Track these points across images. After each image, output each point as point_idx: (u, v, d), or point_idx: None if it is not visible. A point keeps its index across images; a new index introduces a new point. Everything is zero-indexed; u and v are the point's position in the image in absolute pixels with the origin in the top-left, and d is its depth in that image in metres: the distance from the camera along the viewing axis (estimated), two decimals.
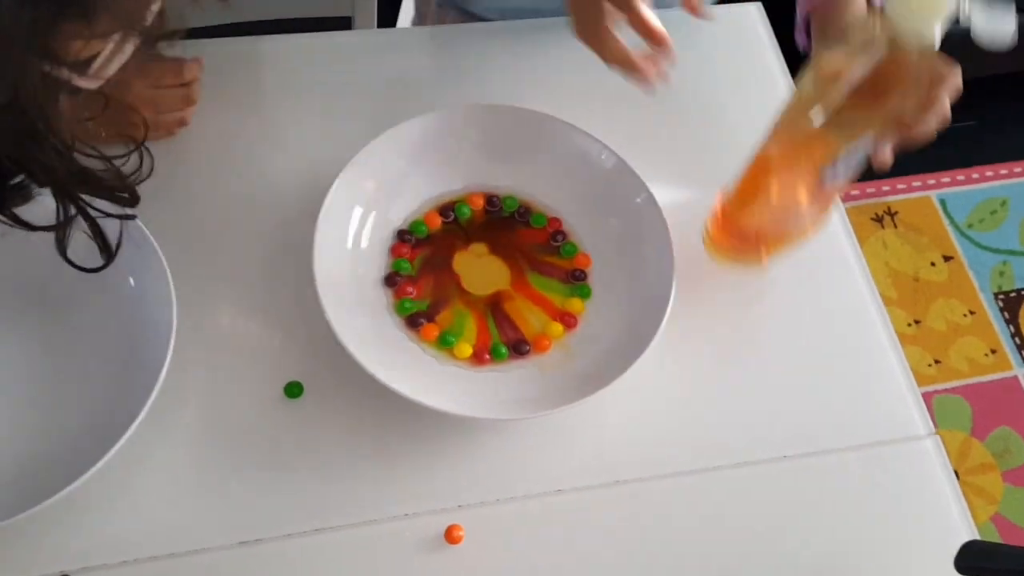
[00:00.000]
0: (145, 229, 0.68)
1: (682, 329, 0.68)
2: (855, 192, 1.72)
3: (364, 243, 0.75)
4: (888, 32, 0.53)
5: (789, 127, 0.64)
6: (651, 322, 0.70)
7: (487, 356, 0.72)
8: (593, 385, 0.68)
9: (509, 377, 0.71)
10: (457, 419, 0.68)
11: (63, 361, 0.68)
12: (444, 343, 0.72)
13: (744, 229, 0.72)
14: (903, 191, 1.74)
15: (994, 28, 0.52)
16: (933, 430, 0.75)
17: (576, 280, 0.76)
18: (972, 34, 0.53)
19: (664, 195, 0.76)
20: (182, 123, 0.78)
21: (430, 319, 0.73)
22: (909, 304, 1.62)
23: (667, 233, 0.74)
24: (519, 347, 0.72)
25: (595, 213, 0.78)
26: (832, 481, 0.72)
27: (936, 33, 0.53)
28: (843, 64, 0.56)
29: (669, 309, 0.70)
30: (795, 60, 0.94)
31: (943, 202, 1.73)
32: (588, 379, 0.69)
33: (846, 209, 0.83)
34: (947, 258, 1.67)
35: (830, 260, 0.80)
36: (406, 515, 0.67)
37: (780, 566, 0.69)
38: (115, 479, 0.65)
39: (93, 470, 0.61)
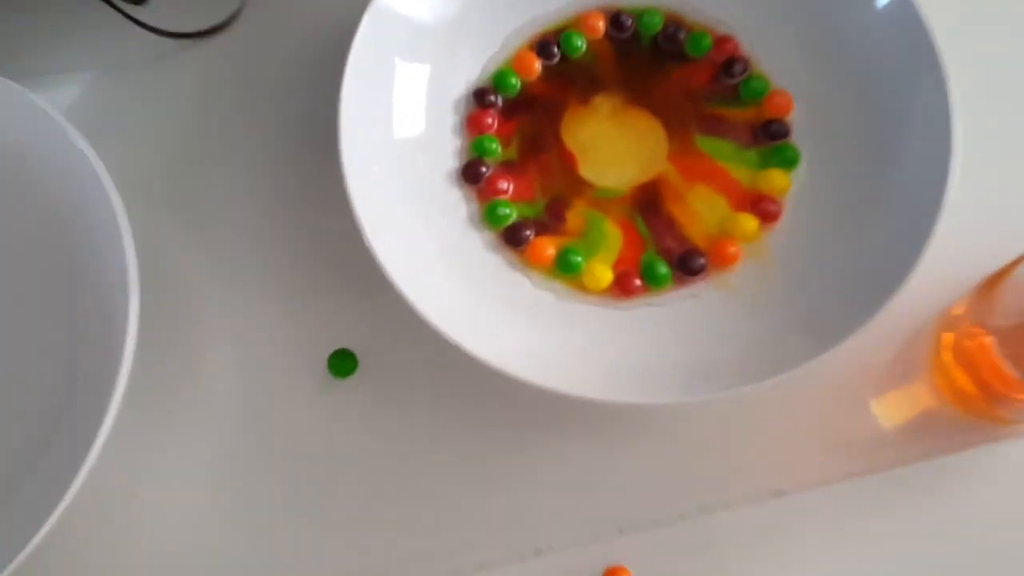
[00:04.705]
0: (90, 155, 0.44)
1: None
2: None
3: (420, 118, 0.48)
4: None
5: None
6: (927, 201, 0.41)
7: (636, 282, 0.45)
8: (822, 331, 0.40)
9: (674, 320, 0.44)
10: (593, 404, 0.42)
11: None
12: (566, 267, 0.45)
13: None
14: None
15: None
16: None
17: (772, 138, 0.47)
18: None
19: None
20: None
21: (544, 230, 0.46)
22: None
23: (932, 42, 0.43)
24: (689, 262, 0.45)
25: (796, 20, 0.48)
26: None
27: None
28: None
29: (952, 178, 0.41)
30: None
31: None
32: (812, 318, 0.41)
33: None
34: None
35: None
36: (537, 551, 0.43)
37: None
38: (107, 509, 0.44)
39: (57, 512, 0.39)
